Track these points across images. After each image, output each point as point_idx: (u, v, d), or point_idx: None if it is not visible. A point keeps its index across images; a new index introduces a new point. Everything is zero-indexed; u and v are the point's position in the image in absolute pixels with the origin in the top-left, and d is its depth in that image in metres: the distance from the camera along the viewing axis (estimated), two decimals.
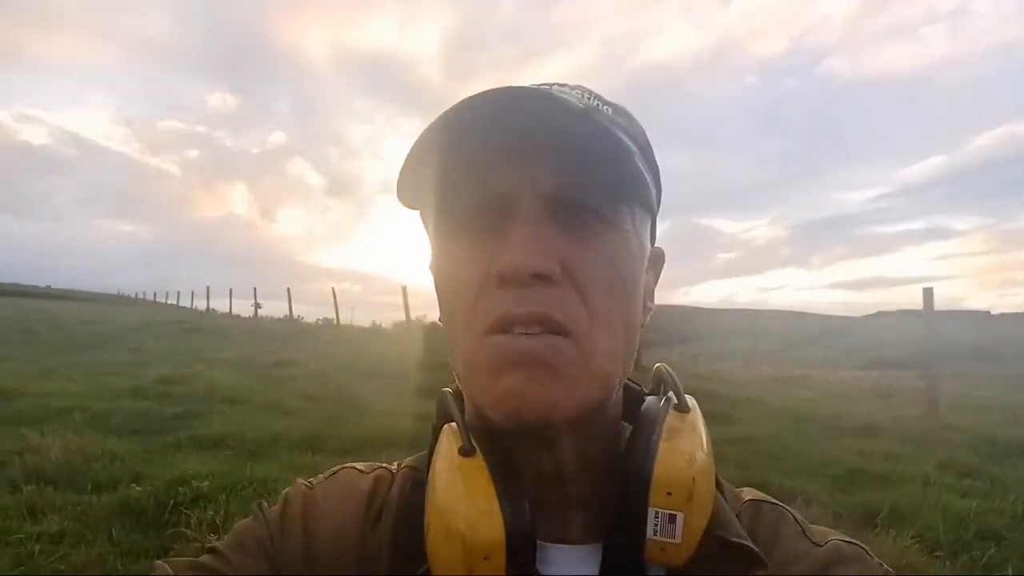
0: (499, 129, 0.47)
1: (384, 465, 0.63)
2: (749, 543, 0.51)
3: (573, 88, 0.53)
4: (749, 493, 0.60)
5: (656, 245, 0.60)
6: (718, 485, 0.54)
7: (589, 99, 0.52)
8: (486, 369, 0.47)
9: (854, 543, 0.55)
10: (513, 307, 0.46)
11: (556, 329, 0.47)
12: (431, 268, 0.56)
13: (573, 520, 0.55)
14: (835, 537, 0.56)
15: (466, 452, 0.49)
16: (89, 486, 3.73)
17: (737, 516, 0.54)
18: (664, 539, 0.47)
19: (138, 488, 3.58)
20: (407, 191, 0.51)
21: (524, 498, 0.48)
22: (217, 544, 0.55)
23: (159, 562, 0.52)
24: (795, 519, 0.57)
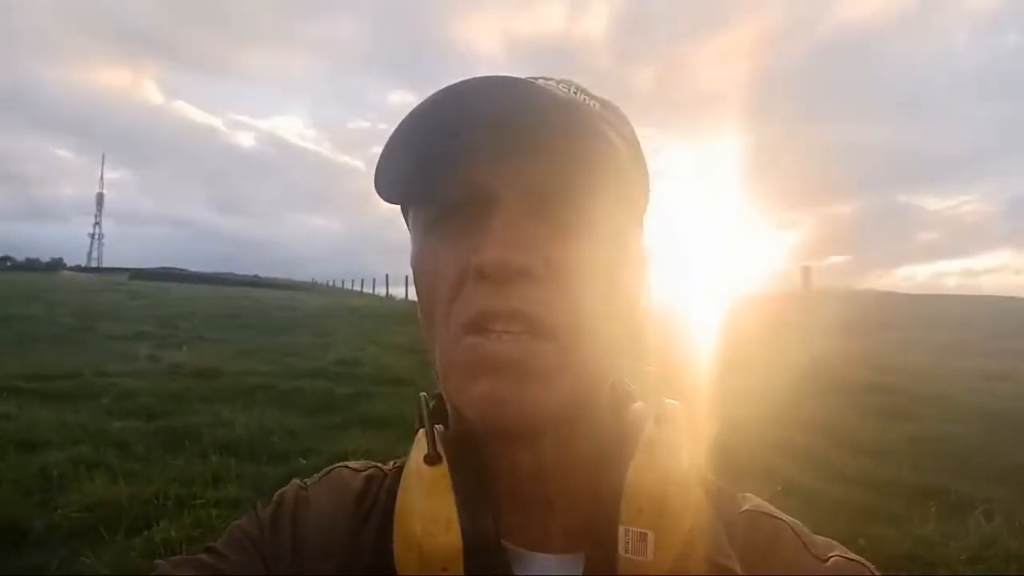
0: (482, 120, 0.45)
1: (378, 465, 0.63)
2: (731, 565, 0.49)
3: (559, 82, 0.52)
4: (748, 502, 0.57)
5: (644, 244, 0.58)
6: (711, 493, 0.54)
7: (575, 93, 0.51)
8: (462, 370, 0.47)
9: (858, 560, 0.52)
10: (493, 303, 0.45)
11: (538, 328, 0.45)
12: (411, 262, 0.54)
13: (555, 527, 0.53)
14: (839, 553, 0.53)
15: (430, 460, 0.49)
16: (265, 458, 4.12)
17: (732, 527, 0.53)
18: (635, 557, 0.45)
19: (304, 462, 3.89)
20: (385, 184, 0.50)
21: (488, 508, 0.47)
22: (213, 543, 0.56)
23: (158, 561, 0.53)
24: (795, 532, 0.54)
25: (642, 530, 0.45)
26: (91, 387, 6.28)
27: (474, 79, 0.44)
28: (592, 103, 0.52)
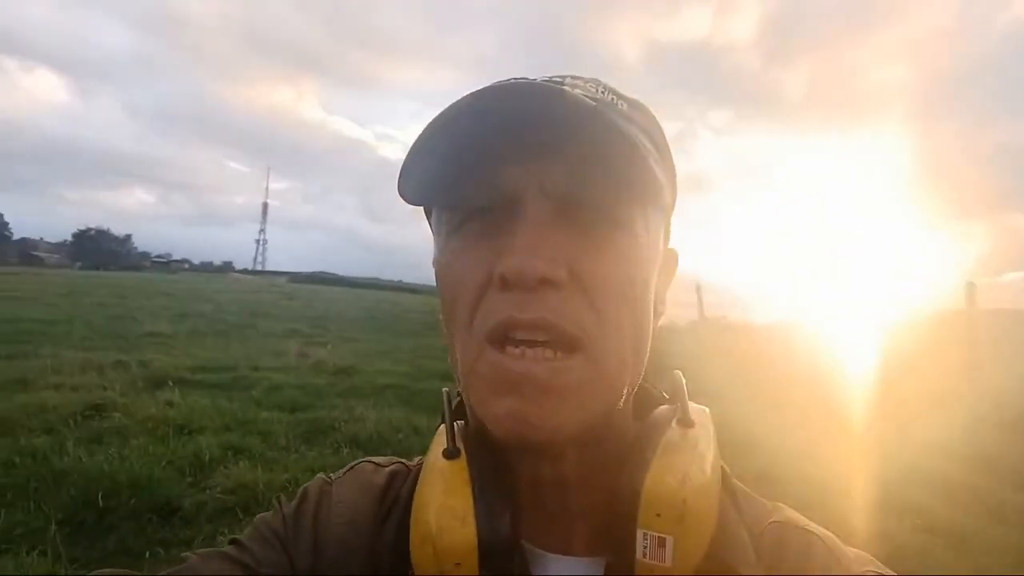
0: (507, 125, 0.44)
1: (402, 461, 0.62)
2: None
3: (587, 81, 0.51)
4: (779, 513, 0.55)
5: (670, 246, 0.57)
6: (738, 501, 0.53)
7: (603, 94, 0.50)
8: (484, 384, 0.46)
9: None
10: (516, 312, 0.44)
11: (561, 337, 0.44)
12: (434, 265, 0.53)
13: (576, 531, 0.53)
14: (872, 569, 0.51)
15: (449, 455, 0.49)
16: (390, 453, 4.25)
17: (759, 538, 0.51)
18: (654, 562, 0.45)
19: None
20: (409, 186, 0.49)
21: (506, 504, 0.47)
22: (239, 536, 0.57)
23: (186, 553, 0.55)
24: (826, 545, 0.52)
25: (661, 535, 0.44)
26: (245, 380, 6.86)
27: (499, 83, 0.43)
28: (620, 104, 0.51)
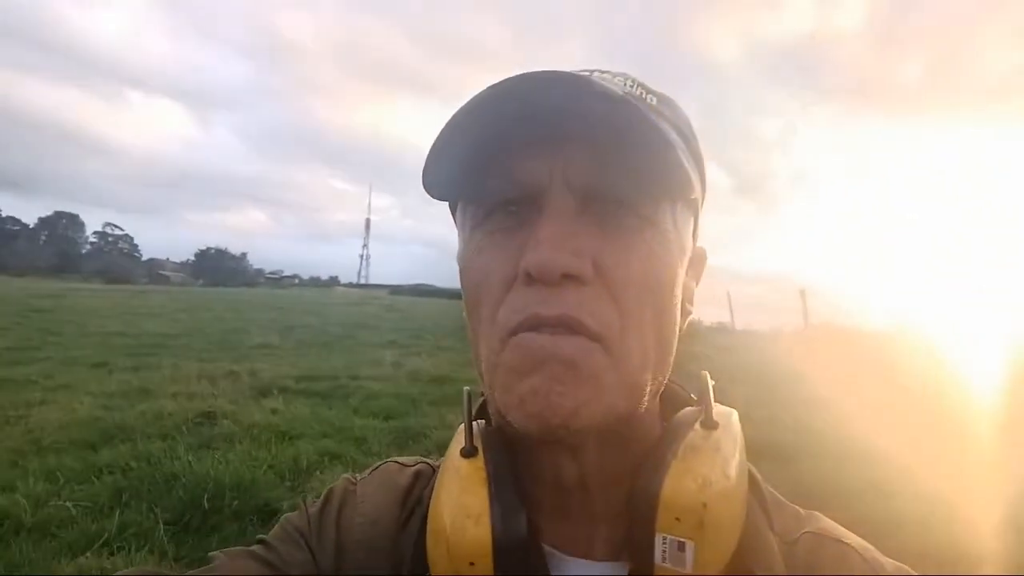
0: (530, 116, 0.44)
1: (427, 460, 0.62)
2: None
3: (616, 75, 0.50)
4: (813, 523, 0.53)
5: (699, 244, 0.56)
6: (768, 509, 0.52)
7: (631, 87, 0.50)
8: (509, 368, 0.45)
9: None
10: (540, 308, 0.43)
11: (585, 333, 0.43)
12: (458, 261, 0.53)
13: (598, 535, 0.52)
14: None
15: (466, 453, 0.49)
16: None
17: (791, 547, 0.50)
18: (674, 568, 0.44)
19: None
20: (434, 181, 0.48)
21: (522, 504, 0.46)
22: (265, 536, 0.57)
23: (213, 552, 0.55)
24: (862, 557, 0.50)
25: (680, 539, 0.43)
26: (344, 388, 7.09)
27: (523, 74, 0.42)
28: (649, 97, 0.50)
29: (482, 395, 0.53)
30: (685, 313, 0.53)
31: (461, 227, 0.52)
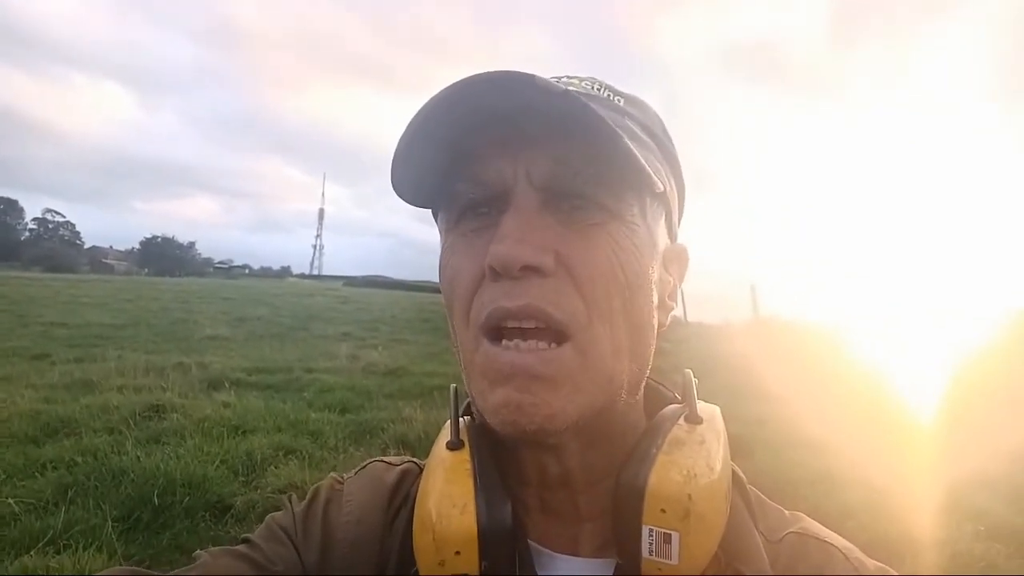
0: (491, 117, 0.45)
1: (414, 460, 0.62)
2: None
3: (583, 79, 0.51)
4: (797, 523, 0.54)
5: (679, 243, 0.57)
6: (752, 508, 0.52)
7: (597, 89, 0.51)
8: (483, 376, 0.46)
9: None
10: (505, 300, 0.44)
11: (551, 325, 0.44)
12: (438, 262, 0.54)
13: (585, 531, 0.52)
14: None
15: (452, 446, 0.50)
16: None
17: (775, 547, 0.51)
18: (660, 560, 0.45)
19: None
20: (402, 186, 0.49)
21: (506, 495, 0.47)
22: (250, 535, 0.57)
23: (199, 552, 0.55)
24: (846, 557, 0.51)
25: (666, 531, 0.44)
26: (298, 381, 6.99)
27: (480, 75, 0.43)
28: (615, 98, 0.51)
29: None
30: (666, 308, 0.53)
31: (439, 230, 0.53)
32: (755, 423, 5.09)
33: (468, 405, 0.55)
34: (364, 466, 0.62)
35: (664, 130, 0.54)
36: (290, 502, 0.59)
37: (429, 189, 0.50)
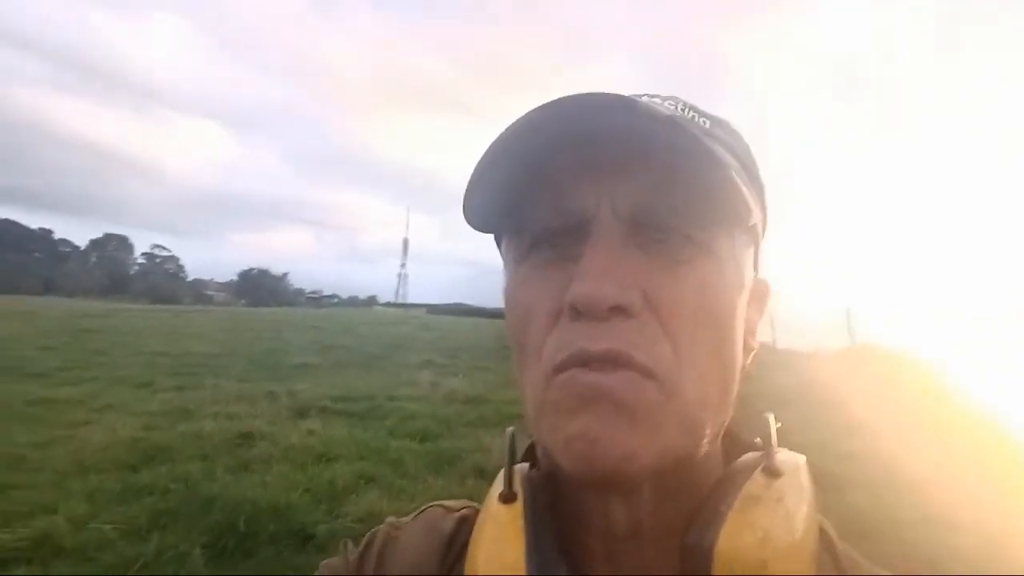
0: (573, 141, 0.42)
1: (474, 504, 0.58)
2: None
3: (666, 99, 0.48)
4: None
5: (761, 276, 0.53)
6: (843, 569, 0.47)
7: (682, 110, 0.48)
8: (557, 407, 0.42)
9: None
10: (587, 343, 0.40)
11: (636, 369, 0.40)
12: (504, 293, 0.50)
13: None
14: None
15: (505, 498, 0.46)
16: None
17: None
18: None
19: None
20: (475, 211, 0.46)
21: (561, 557, 0.43)
22: None
23: None
24: None
25: None
26: (381, 409, 7.09)
27: (566, 97, 0.40)
28: (701, 120, 0.48)
29: (530, 435, 0.50)
30: (748, 348, 0.49)
31: (506, 259, 0.50)
32: (846, 459, 4.77)
33: (528, 451, 0.53)
34: (422, 511, 0.59)
35: (751, 156, 0.51)
36: (344, 547, 0.58)
37: (501, 215, 0.47)
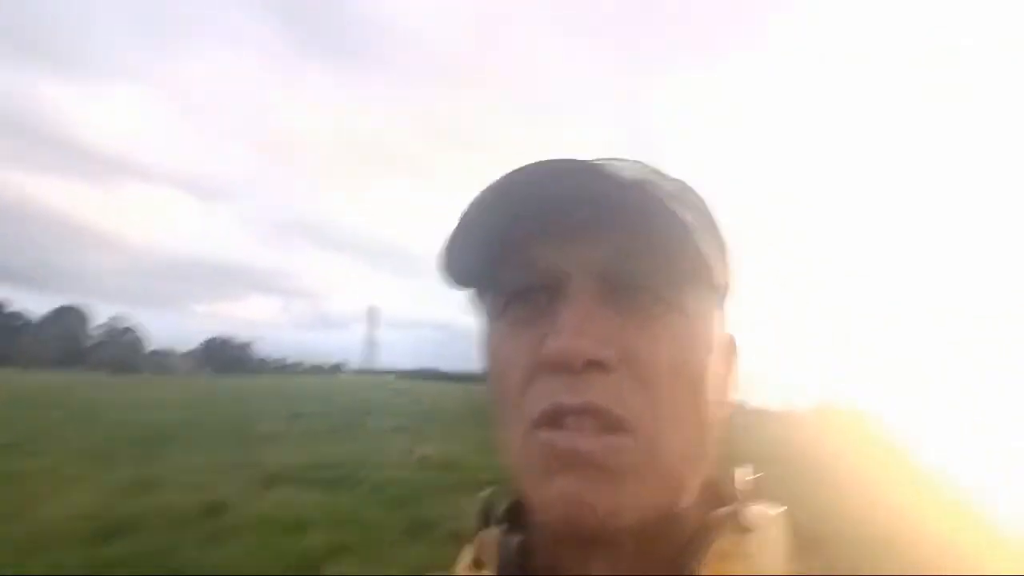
0: (543, 205, 0.43)
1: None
2: None
3: (633, 162, 0.49)
4: None
5: (728, 332, 0.53)
6: None
7: (648, 173, 0.48)
8: (537, 467, 0.42)
9: None
10: (564, 397, 0.41)
11: (612, 423, 0.41)
12: (481, 351, 0.52)
13: None
14: None
15: (475, 564, 0.48)
16: None
17: None
18: None
19: None
20: (451, 270, 0.48)
21: None
22: None
23: None
24: None
25: None
26: (352, 477, 6.95)
27: (536, 163, 0.42)
28: (665, 183, 0.49)
29: (511, 493, 0.51)
30: (724, 405, 0.50)
31: (484, 316, 0.51)
32: (820, 518, 4.81)
33: (508, 510, 0.52)
34: None
35: (713, 216, 0.52)
36: None
37: (478, 274, 0.49)
